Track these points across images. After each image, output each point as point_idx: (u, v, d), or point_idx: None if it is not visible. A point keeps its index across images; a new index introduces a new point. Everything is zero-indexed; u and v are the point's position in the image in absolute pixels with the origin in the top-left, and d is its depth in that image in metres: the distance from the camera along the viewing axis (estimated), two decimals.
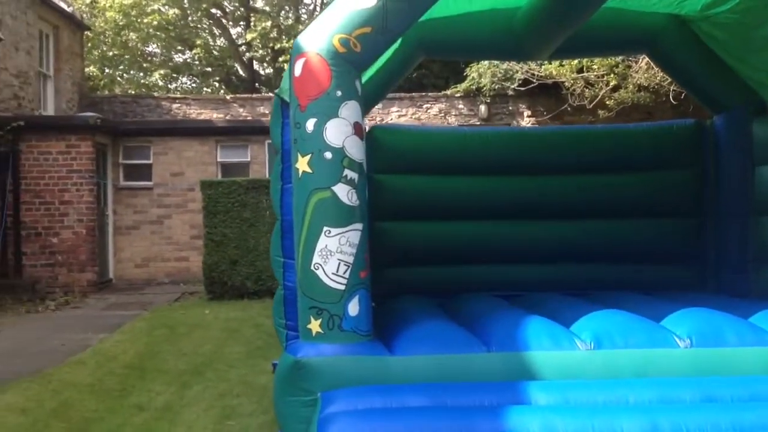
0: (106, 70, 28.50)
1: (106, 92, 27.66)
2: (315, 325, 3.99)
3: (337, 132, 4.01)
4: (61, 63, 16.78)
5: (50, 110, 16.11)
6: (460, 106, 18.15)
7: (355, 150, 4.06)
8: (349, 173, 4.02)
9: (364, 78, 5.74)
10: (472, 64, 17.40)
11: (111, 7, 26.45)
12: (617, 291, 5.62)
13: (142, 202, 14.53)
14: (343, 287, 3.95)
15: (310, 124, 4.02)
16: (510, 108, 17.93)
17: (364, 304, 4.04)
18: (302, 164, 4.05)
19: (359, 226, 4.04)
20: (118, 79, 28.96)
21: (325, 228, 3.97)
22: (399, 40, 5.66)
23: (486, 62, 16.86)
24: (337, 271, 3.96)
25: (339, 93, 4.02)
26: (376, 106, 18.06)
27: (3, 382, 6.12)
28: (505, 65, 16.20)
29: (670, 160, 5.99)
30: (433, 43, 6.05)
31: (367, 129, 6.37)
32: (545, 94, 16.76)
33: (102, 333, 8.32)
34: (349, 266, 3.97)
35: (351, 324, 3.98)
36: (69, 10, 17.86)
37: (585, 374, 3.90)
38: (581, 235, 6.08)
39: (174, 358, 6.96)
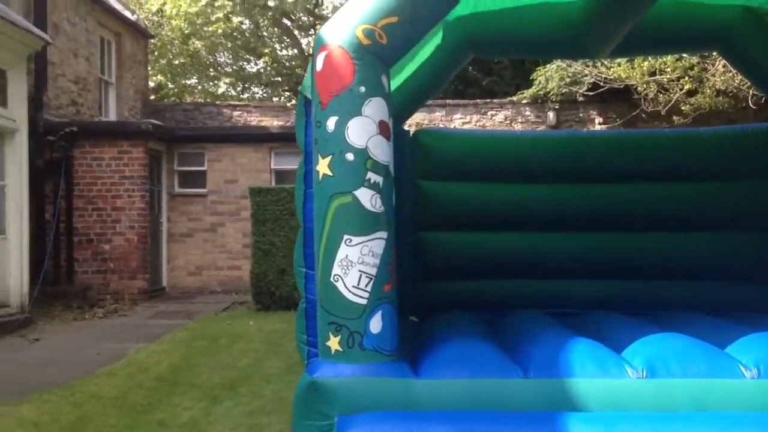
0: (177, 79, 29.06)
1: (173, 100, 28.26)
2: (334, 343, 3.72)
3: (361, 131, 3.74)
4: (124, 70, 17.05)
5: (112, 117, 16.38)
6: (527, 112, 17.67)
7: (380, 151, 3.78)
8: (373, 176, 3.74)
9: (402, 78, 5.51)
10: (539, 68, 16.94)
11: (177, 15, 26.94)
12: (679, 311, 5.17)
13: (196, 210, 14.58)
14: (364, 302, 3.67)
15: (331, 123, 3.77)
16: (580, 114, 17.36)
17: (388, 320, 3.75)
18: (323, 166, 3.80)
19: (384, 234, 3.76)
20: (187, 88, 29.44)
21: (345, 236, 3.70)
22: (440, 36, 5.39)
23: (554, 65, 16.39)
24: (358, 283, 3.68)
25: (362, 89, 3.75)
26: (439, 113, 17.82)
27: (26, 392, 6.05)
28: (573, 68, 15.69)
29: (743, 168, 5.51)
30: (483, 40, 5.71)
31: (412, 133, 6.18)
32: (617, 99, 16.17)
33: (141, 342, 8.25)
34: (371, 279, 3.69)
35: (372, 342, 3.69)
36: (133, 18, 18.17)
37: (635, 406, 3.51)
38: (643, 249, 5.66)
39: (209, 371, 6.80)
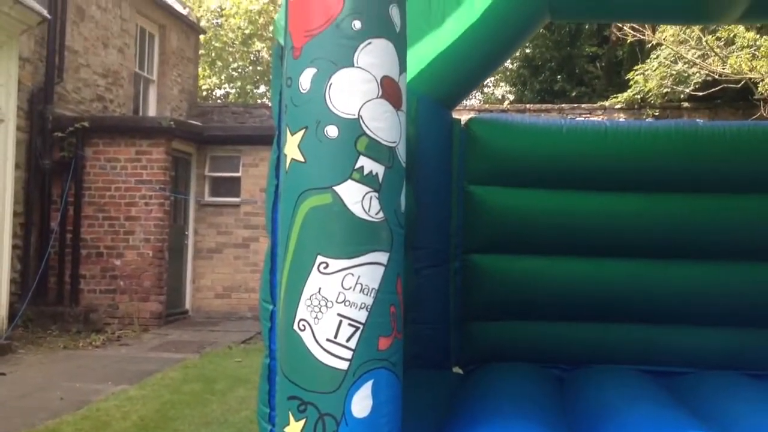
0: (233, 82, 28.72)
1: (219, 101, 27.80)
2: (295, 429, 2.50)
3: (351, 91, 2.55)
4: (167, 67, 16.41)
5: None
6: (621, 119, 16.26)
7: (382, 124, 2.57)
8: (368, 164, 2.54)
9: (445, 40, 4.29)
10: (636, 67, 15.50)
11: (237, 14, 26.49)
12: None
13: (226, 222, 13.63)
14: (344, 365, 2.45)
15: (306, 79, 2.59)
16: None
17: (384, 395, 2.52)
18: (291, 147, 2.61)
19: (383, 257, 2.54)
20: (247, 92, 29.04)
21: (319, 258, 2.50)
22: None
23: (654, 63, 14.92)
24: (336, 335, 2.46)
25: (357, 24, 2.56)
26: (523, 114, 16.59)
27: None
28: (678, 65, 14.18)
29: None
30: None
31: (463, 122, 4.98)
32: (729, 102, 14.65)
33: (122, 384, 7.21)
34: (357, 329, 2.47)
35: None
36: (184, 11, 17.50)
37: None
38: None
39: (189, 429, 5.66)
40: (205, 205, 13.78)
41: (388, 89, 2.60)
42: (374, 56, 2.57)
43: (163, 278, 11.92)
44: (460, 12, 4.07)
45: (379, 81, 2.57)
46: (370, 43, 2.57)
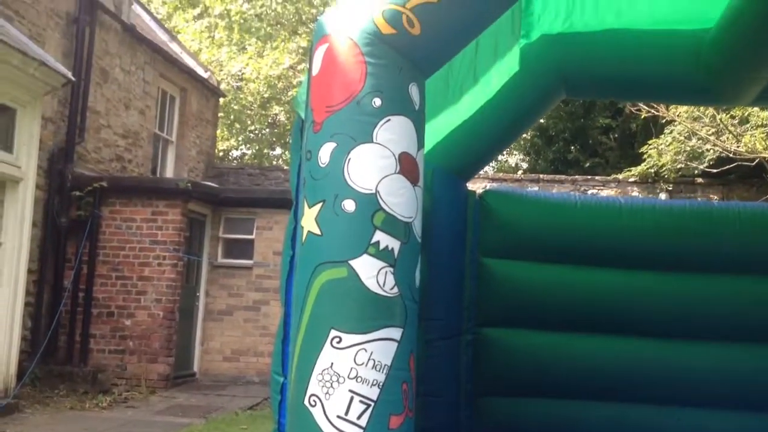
0: (251, 144, 29.02)
1: (236, 163, 28.03)
2: None
3: (369, 167, 2.57)
4: (187, 129, 16.60)
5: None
6: (634, 193, 16.34)
7: (399, 200, 2.59)
8: (384, 239, 2.54)
9: (462, 114, 4.33)
10: (650, 141, 15.57)
11: (257, 78, 26.86)
12: None
13: (238, 284, 13.59)
14: None
15: (326, 153, 2.61)
16: (698, 198, 15.88)
17: None
18: (308, 220, 2.62)
19: (396, 333, 2.52)
20: (264, 154, 29.31)
21: (333, 332, 2.49)
22: (517, 59, 4.21)
23: (668, 138, 14.98)
24: (347, 413, 2.43)
25: (377, 101, 2.60)
26: (531, 189, 16.59)
27: None
28: (692, 141, 14.23)
29: None
30: (578, 72, 4.55)
31: (478, 194, 4.99)
32: (743, 179, 14.61)
33: None
34: (369, 406, 2.44)
35: None
36: (206, 75, 17.74)
37: None
38: None
39: None
40: (218, 266, 13.76)
41: (406, 165, 2.62)
42: (393, 132, 2.60)
43: (173, 340, 11.86)
44: (477, 88, 4.13)
45: (397, 157, 2.60)
46: (389, 120, 2.60)
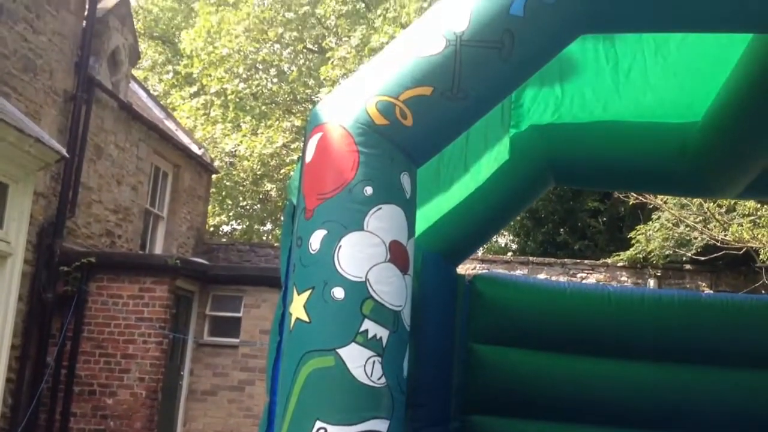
0: (242, 220, 29.11)
1: (224, 240, 28.03)
2: None
3: (359, 254, 2.58)
4: (178, 204, 16.63)
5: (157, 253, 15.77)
6: (623, 277, 16.37)
7: (389, 288, 2.58)
8: (373, 328, 2.53)
9: (451, 201, 4.38)
10: (638, 227, 15.70)
11: (251, 156, 27.07)
12: None
13: (223, 363, 13.40)
14: None
15: (317, 240, 2.62)
16: (687, 285, 15.97)
17: None
18: (297, 307, 2.61)
19: (383, 425, 2.49)
20: (256, 231, 29.37)
21: (318, 424, 2.45)
22: (507, 149, 4.28)
23: (656, 224, 15.11)
24: None
25: (368, 190, 2.62)
26: (520, 271, 16.60)
27: None
28: (680, 228, 14.36)
29: None
30: (566, 162, 4.63)
31: (468, 279, 5.00)
32: (732, 267, 14.69)
33: None
34: None
35: None
36: (199, 152, 17.83)
37: None
38: None
39: None
40: (204, 344, 13.60)
41: (396, 253, 2.63)
42: (383, 221, 2.62)
43: (154, 420, 11.63)
44: (467, 178, 4.19)
45: (387, 245, 2.61)
46: (380, 209, 2.62)
